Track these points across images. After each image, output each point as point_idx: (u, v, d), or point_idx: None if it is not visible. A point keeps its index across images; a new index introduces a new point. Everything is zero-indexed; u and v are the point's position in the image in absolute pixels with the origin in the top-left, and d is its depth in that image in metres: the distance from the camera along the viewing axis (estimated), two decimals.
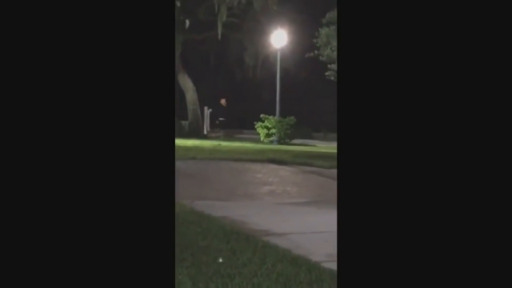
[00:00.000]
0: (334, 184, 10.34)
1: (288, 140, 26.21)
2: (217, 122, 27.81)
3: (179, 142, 17.59)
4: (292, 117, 26.50)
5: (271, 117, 26.61)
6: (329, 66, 25.70)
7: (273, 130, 26.17)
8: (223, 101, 27.69)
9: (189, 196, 7.31)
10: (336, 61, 25.28)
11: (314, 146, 24.33)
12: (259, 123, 26.94)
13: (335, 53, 25.18)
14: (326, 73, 26.01)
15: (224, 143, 20.57)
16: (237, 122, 35.21)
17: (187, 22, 28.93)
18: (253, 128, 27.73)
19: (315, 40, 25.97)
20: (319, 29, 25.68)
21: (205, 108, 31.31)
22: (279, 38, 27.35)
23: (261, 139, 26.43)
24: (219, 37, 28.55)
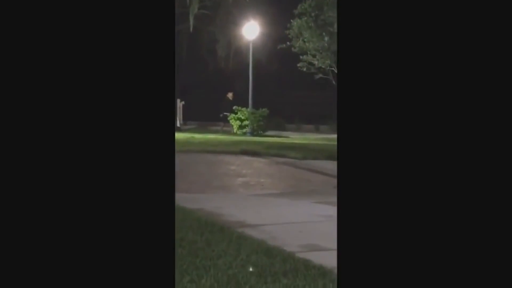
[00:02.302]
0: (307, 175, 10.45)
1: (261, 132, 26.22)
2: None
3: None
4: (265, 109, 26.50)
5: (244, 108, 26.59)
6: (301, 57, 25.72)
7: (246, 122, 26.16)
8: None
9: None
10: (308, 52, 25.35)
11: (287, 137, 24.40)
12: (232, 115, 26.91)
13: (307, 44, 25.24)
14: (298, 65, 26.04)
15: (198, 135, 20.52)
16: (210, 114, 35.10)
17: None
18: (226, 120, 27.67)
19: (287, 32, 25.97)
20: (291, 20, 25.68)
21: (178, 100, 31.15)
22: (251, 30, 27.29)
23: (234, 131, 26.41)
24: (191, 29, 28.42)
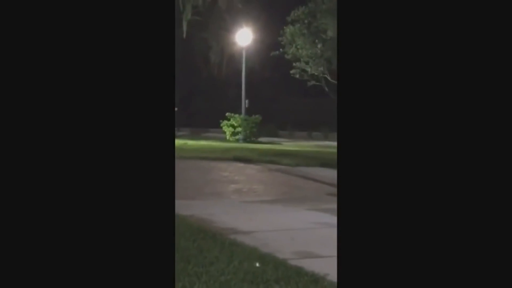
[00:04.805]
0: (299, 182, 10.43)
1: (254, 138, 26.25)
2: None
3: None
4: (257, 115, 26.55)
5: (236, 115, 26.62)
6: (294, 64, 25.80)
7: (239, 129, 26.18)
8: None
9: None
10: (301, 59, 25.43)
11: (280, 144, 24.42)
12: (225, 122, 26.92)
13: (300, 51, 25.32)
14: (291, 71, 26.12)
15: (190, 142, 20.51)
16: (203, 120, 35.09)
17: None
18: (218, 126, 27.70)
19: (280, 38, 26.06)
20: (284, 27, 25.78)
21: None
22: (244, 37, 27.34)
23: (227, 137, 26.42)
24: (184, 35, 28.44)
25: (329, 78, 25.64)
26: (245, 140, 25.44)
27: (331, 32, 24.00)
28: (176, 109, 26.60)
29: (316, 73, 25.62)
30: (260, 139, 26.66)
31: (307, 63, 25.43)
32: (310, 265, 4.07)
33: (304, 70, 25.68)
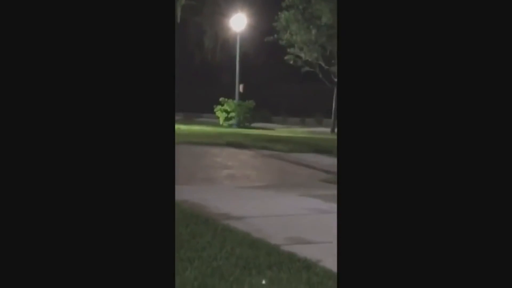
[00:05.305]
0: (293, 168, 10.43)
1: (248, 124, 26.24)
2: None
3: None
4: (251, 101, 26.52)
5: (230, 100, 26.57)
6: (288, 50, 25.73)
7: (233, 114, 26.14)
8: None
9: None
10: (295, 45, 25.36)
11: (273, 129, 24.42)
12: (219, 107, 26.87)
13: (294, 37, 25.24)
14: (285, 57, 26.05)
15: (183, 127, 20.47)
16: (196, 105, 35.03)
17: None
18: (212, 111, 27.65)
19: (274, 24, 25.96)
20: (279, 13, 25.67)
21: None
22: (238, 22, 27.26)
23: (221, 122, 26.39)
24: (178, 20, 28.31)
25: (323, 64, 25.59)
26: (239, 125, 25.42)
27: (326, 18, 23.95)
28: None
29: (310, 59, 25.56)
30: (254, 124, 26.65)
31: (301, 49, 25.36)
32: (303, 251, 4.08)
33: (298, 56, 25.62)
